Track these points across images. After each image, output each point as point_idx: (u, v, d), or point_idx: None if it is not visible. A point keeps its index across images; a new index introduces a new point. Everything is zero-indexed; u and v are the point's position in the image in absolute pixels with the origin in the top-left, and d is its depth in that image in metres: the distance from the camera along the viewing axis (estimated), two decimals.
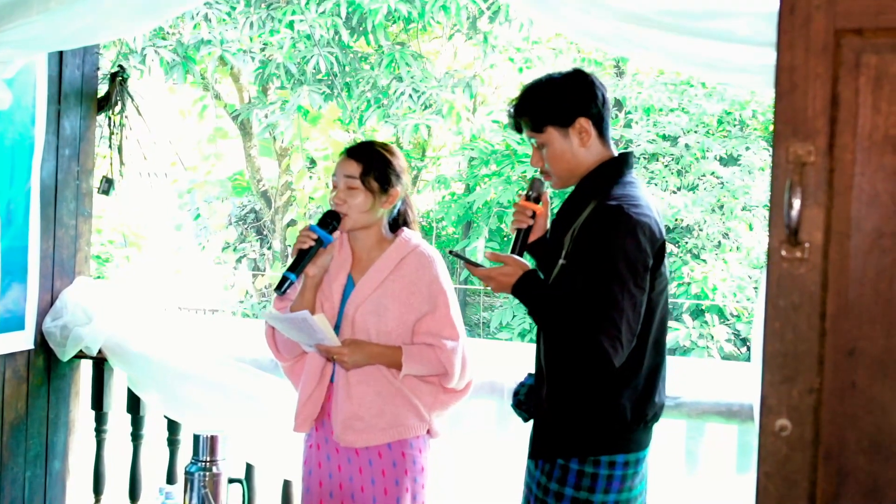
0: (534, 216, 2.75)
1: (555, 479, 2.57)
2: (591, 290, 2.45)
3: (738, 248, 15.28)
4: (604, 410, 2.55)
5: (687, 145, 15.43)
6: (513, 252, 2.71)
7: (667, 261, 2.59)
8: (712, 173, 15.50)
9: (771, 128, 1.47)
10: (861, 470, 1.43)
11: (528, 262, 2.66)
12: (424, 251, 2.95)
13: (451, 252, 2.76)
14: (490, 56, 13.70)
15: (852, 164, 1.41)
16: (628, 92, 15.43)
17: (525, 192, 2.77)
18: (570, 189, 2.69)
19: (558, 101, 2.62)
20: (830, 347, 1.43)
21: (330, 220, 2.91)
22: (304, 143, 15.43)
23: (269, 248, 18.02)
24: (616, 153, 2.68)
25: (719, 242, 15.32)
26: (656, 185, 15.63)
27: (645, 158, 15.92)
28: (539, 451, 2.64)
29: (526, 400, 2.74)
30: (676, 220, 15.21)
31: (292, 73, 12.97)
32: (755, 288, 14.15)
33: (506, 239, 14.40)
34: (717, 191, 15.37)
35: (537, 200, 2.76)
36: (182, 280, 19.01)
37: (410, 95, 12.89)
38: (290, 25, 12.37)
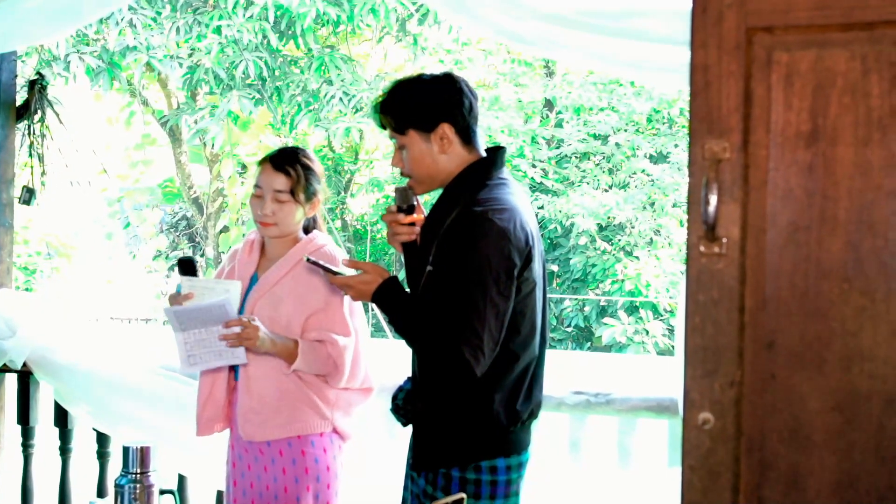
0: (414, 225, 2.63)
1: (439, 489, 2.55)
2: (452, 298, 2.41)
3: (669, 245, 15.48)
4: (478, 415, 2.52)
5: (617, 144, 15.60)
6: (412, 267, 2.64)
7: (536, 263, 2.51)
8: (643, 171, 15.69)
9: None
10: (782, 460, 1.45)
11: (388, 268, 2.59)
12: (328, 251, 2.96)
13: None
14: (420, 58, 13.72)
15: (766, 160, 1.43)
16: (558, 92, 15.56)
17: (396, 205, 2.63)
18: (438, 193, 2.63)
19: (423, 105, 2.55)
20: (750, 340, 1.46)
21: (186, 272, 2.96)
22: (235, 148, 15.29)
23: (203, 256, 17.81)
24: (483, 155, 2.60)
25: (651, 239, 15.51)
26: (588, 183, 15.78)
27: (576, 157, 16.06)
28: (420, 461, 2.61)
29: (404, 405, 2.69)
30: (609, 217, 15.37)
31: (221, 78, 12.84)
32: None
33: None
34: (647, 188, 15.56)
35: (409, 211, 2.62)
36: (114, 290, 18.71)
37: (341, 99, 12.84)
38: (218, 30, 12.24)
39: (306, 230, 3.08)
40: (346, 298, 2.91)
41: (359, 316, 3.00)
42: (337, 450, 3.00)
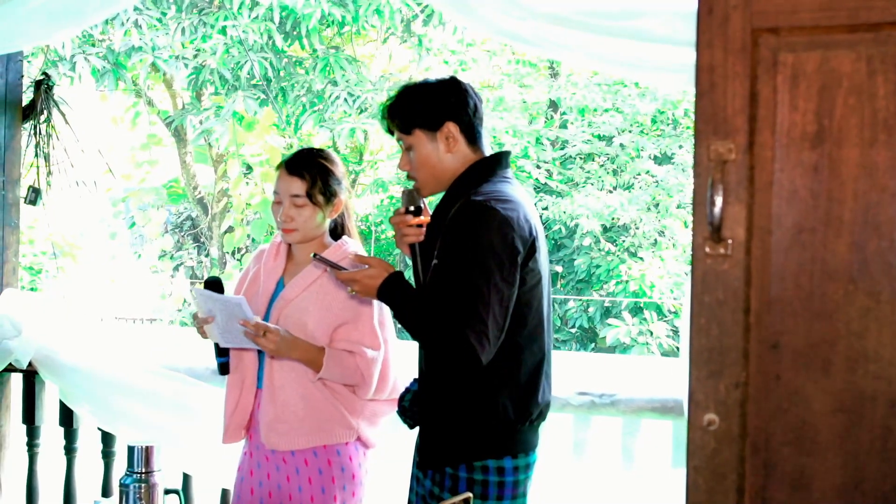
0: (421, 227, 2.66)
1: (447, 490, 2.55)
2: (456, 285, 2.42)
3: (674, 245, 15.48)
4: (485, 412, 2.51)
5: (622, 145, 15.60)
6: (417, 268, 2.65)
7: (539, 255, 2.53)
8: (647, 172, 15.69)
9: None
10: (787, 462, 1.45)
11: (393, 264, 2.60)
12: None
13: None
14: (425, 59, 13.73)
15: (772, 161, 1.43)
16: (563, 93, 15.56)
17: (404, 207, 2.67)
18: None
19: (429, 105, 2.59)
20: (755, 341, 1.45)
21: (215, 290, 2.89)
22: (240, 148, 15.29)
23: (207, 256, 17.83)
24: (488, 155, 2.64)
25: (655, 240, 15.51)
26: (592, 184, 15.78)
27: (581, 158, 16.06)
28: (427, 460, 2.61)
29: (410, 406, 2.70)
30: (613, 218, 15.37)
31: (226, 78, 12.86)
32: None
33: None
34: (652, 189, 15.56)
35: (417, 213, 2.65)
36: (118, 289, 18.71)
37: (346, 99, 12.86)
38: (223, 31, 12.26)
39: (335, 234, 3.03)
40: (376, 309, 2.88)
41: (388, 327, 2.95)
42: (362, 457, 2.96)
